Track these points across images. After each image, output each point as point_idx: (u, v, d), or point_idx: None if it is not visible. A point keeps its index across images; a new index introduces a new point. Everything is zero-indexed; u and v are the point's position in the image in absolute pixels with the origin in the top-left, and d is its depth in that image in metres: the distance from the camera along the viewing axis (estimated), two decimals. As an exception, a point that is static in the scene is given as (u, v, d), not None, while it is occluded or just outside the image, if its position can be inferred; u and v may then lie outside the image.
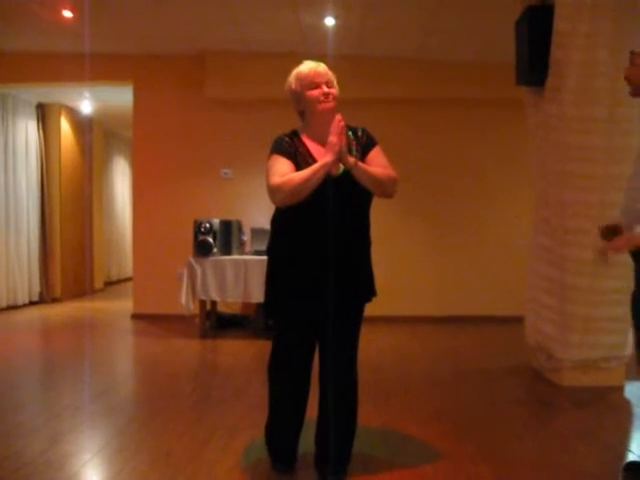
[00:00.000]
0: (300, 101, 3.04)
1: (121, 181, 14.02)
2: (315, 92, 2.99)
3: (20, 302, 9.40)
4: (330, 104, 2.99)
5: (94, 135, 11.74)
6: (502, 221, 8.37)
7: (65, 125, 10.47)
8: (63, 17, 6.71)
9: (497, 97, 7.86)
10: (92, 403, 4.49)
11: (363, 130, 3.14)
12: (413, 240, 8.45)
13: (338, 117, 2.84)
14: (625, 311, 4.89)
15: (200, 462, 3.31)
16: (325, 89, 2.99)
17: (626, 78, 3.18)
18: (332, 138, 2.82)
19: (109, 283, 12.80)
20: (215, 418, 4.08)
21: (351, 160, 2.85)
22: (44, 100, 9.98)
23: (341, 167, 2.90)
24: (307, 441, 3.23)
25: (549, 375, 5.15)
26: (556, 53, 4.86)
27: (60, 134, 10.30)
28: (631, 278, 4.91)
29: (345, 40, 7.36)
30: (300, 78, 3.02)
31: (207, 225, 7.07)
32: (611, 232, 3.27)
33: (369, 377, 5.33)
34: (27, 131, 9.72)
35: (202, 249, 7.02)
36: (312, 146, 3.01)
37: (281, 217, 3.07)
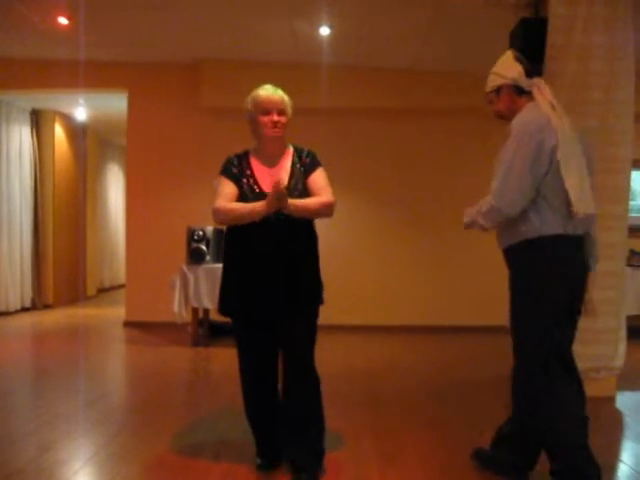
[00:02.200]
0: (253, 122, 3.28)
1: (115, 188, 14.00)
2: (265, 118, 3.21)
3: (12, 308, 9.35)
4: (277, 133, 3.21)
5: (88, 142, 11.73)
6: (493, 232, 8.38)
7: (59, 132, 10.47)
8: (58, 24, 6.71)
9: (490, 107, 7.88)
10: (83, 411, 4.48)
11: (308, 153, 3.35)
12: (404, 251, 8.45)
13: (277, 182, 2.97)
14: (615, 322, 4.92)
15: (192, 470, 3.31)
16: (275, 118, 3.20)
17: (497, 114, 3.30)
18: (270, 196, 2.99)
19: (102, 290, 12.75)
20: (207, 426, 4.07)
21: (290, 207, 3.04)
22: (38, 106, 9.97)
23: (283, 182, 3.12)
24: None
25: (541, 385, 5.15)
26: (550, 64, 4.89)
27: (54, 141, 10.29)
28: (621, 289, 4.96)
29: (340, 49, 7.38)
30: (256, 102, 3.26)
31: (200, 233, 7.07)
32: None
33: (360, 386, 5.34)
34: (21, 137, 9.70)
35: (195, 257, 7.01)
36: (257, 167, 3.27)
37: (229, 229, 3.30)
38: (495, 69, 3.22)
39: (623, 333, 5.05)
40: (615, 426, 4.45)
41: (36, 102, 9.74)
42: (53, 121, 10.28)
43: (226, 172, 3.27)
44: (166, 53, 7.97)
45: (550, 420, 2.95)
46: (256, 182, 3.21)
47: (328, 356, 6.80)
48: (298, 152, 3.33)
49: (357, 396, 4.97)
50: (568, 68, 4.79)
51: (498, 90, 3.19)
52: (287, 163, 3.28)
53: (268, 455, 3.35)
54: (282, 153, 3.31)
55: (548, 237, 2.93)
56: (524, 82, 3.12)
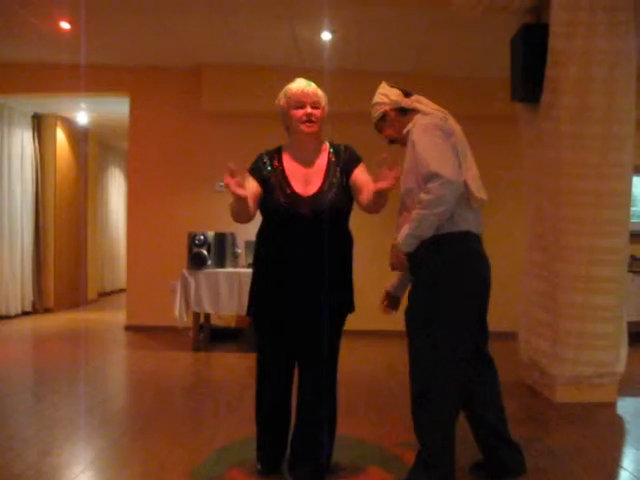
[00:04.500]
0: (285, 118, 3.13)
1: (116, 192, 14.02)
2: (299, 112, 3.05)
3: (13, 312, 9.36)
4: (311, 128, 3.06)
5: (90, 146, 11.75)
6: (496, 237, 8.37)
7: (61, 136, 10.48)
8: (60, 28, 6.73)
9: (491, 113, 7.89)
10: (84, 415, 4.47)
11: (346, 147, 3.21)
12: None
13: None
14: (615, 328, 4.93)
15: (192, 475, 3.30)
16: (309, 110, 3.04)
17: (389, 139, 3.29)
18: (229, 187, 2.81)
19: (103, 294, 12.76)
20: (208, 431, 4.07)
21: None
22: (40, 111, 9.99)
23: (313, 189, 3.04)
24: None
25: (542, 391, 5.15)
26: (551, 70, 4.90)
27: (56, 145, 10.31)
28: (622, 295, 4.96)
29: (341, 55, 7.40)
30: (288, 96, 3.09)
31: (201, 237, 7.06)
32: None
33: (363, 391, 5.33)
34: (23, 141, 9.71)
35: (196, 261, 7.01)
36: (289, 164, 3.11)
37: (261, 230, 3.20)
38: (375, 100, 3.26)
39: (624, 339, 5.04)
40: (616, 432, 4.44)
41: (38, 106, 9.76)
42: (55, 125, 10.30)
43: (253, 169, 3.14)
44: (167, 57, 7.98)
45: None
46: (288, 183, 3.06)
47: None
48: (335, 149, 3.17)
49: (360, 401, 4.96)
50: (569, 74, 4.79)
51: (383, 117, 3.22)
52: (322, 161, 3.12)
53: (268, 461, 3.30)
54: (318, 151, 3.14)
55: (453, 233, 2.96)
56: (405, 102, 3.18)
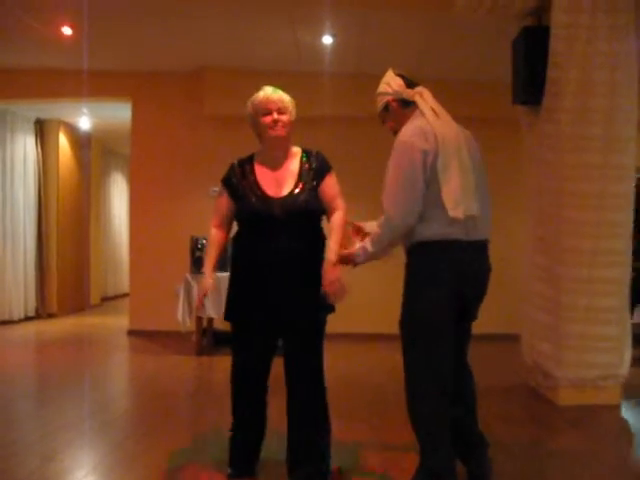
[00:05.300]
0: (254, 125, 3.24)
1: (118, 197, 14.04)
2: (267, 118, 3.16)
3: (16, 317, 9.37)
4: (277, 132, 3.14)
5: (92, 151, 11.77)
6: (498, 239, 8.34)
7: (63, 141, 10.50)
8: (63, 34, 6.74)
9: (492, 116, 7.89)
10: (87, 420, 4.48)
11: (317, 153, 3.27)
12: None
13: (330, 284, 3.03)
14: (619, 330, 4.92)
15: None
16: (275, 116, 3.14)
17: (392, 130, 3.24)
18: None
19: (106, 299, 12.76)
20: (210, 435, 4.06)
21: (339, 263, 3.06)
22: (43, 116, 10.01)
23: (284, 191, 3.12)
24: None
25: (546, 393, 5.14)
26: (552, 73, 4.90)
27: (58, 150, 10.33)
28: (625, 297, 4.95)
29: (342, 58, 7.40)
30: (255, 103, 3.23)
31: (204, 242, 7.06)
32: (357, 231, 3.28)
33: (367, 394, 5.33)
34: (25, 146, 9.74)
35: (199, 266, 7.01)
36: (260, 172, 3.21)
37: (236, 235, 3.30)
38: (379, 89, 3.24)
39: (628, 341, 5.03)
40: (620, 435, 4.44)
41: (40, 111, 9.78)
42: (57, 130, 10.32)
43: (224, 181, 3.27)
44: (169, 62, 8.00)
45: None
46: (258, 186, 3.15)
47: (330, 364, 6.79)
48: (306, 153, 3.25)
49: (360, 406, 4.95)
50: (571, 76, 4.80)
51: (386, 107, 3.21)
52: (293, 165, 3.20)
53: (240, 465, 3.28)
54: (287, 155, 3.23)
55: (432, 242, 2.95)
56: (406, 93, 3.16)
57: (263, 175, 3.20)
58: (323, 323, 3.25)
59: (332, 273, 3.01)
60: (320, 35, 6.83)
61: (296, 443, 3.21)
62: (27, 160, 9.78)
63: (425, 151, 2.91)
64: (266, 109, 3.16)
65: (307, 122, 7.72)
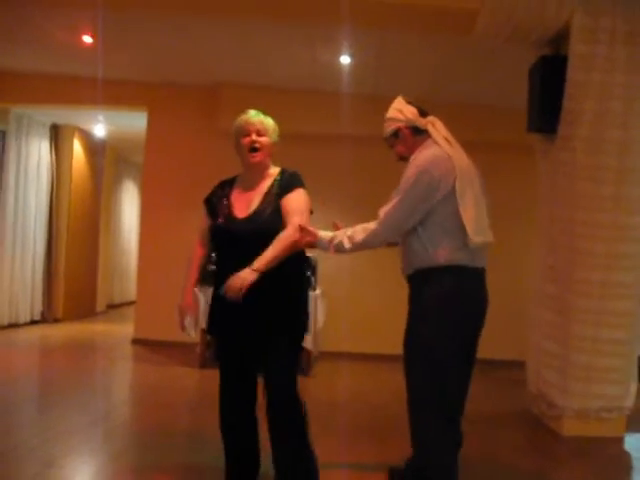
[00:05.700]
0: (236, 147, 3.28)
1: (129, 205, 14.10)
2: (246, 139, 3.20)
3: (22, 320, 9.39)
4: (255, 159, 3.18)
5: (106, 158, 11.84)
6: (505, 266, 8.35)
7: (78, 147, 10.57)
8: (83, 42, 6.80)
9: (506, 141, 7.90)
10: (88, 428, 4.47)
11: (292, 174, 3.26)
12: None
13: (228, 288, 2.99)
14: (627, 362, 4.90)
15: None
16: (253, 137, 3.19)
17: (399, 156, 3.30)
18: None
19: (111, 306, 12.78)
20: (211, 448, 4.05)
21: (257, 273, 2.96)
22: (58, 121, 10.09)
23: (250, 211, 3.15)
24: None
25: (550, 423, 5.11)
26: (569, 102, 4.91)
27: (72, 156, 10.40)
28: (635, 329, 4.93)
29: (360, 78, 7.43)
30: (236, 126, 3.29)
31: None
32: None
33: (367, 416, 5.30)
34: (40, 151, 9.80)
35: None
36: (236, 193, 3.27)
37: (212, 251, 3.48)
38: (389, 114, 3.28)
39: (635, 373, 5.01)
40: (622, 468, 4.40)
41: (56, 117, 9.86)
42: (72, 136, 10.39)
43: (205, 200, 3.37)
44: (187, 75, 8.06)
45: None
46: (230, 207, 3.21)
47: (334, 384, 6.78)
48: (282, 174, 3.24)
49: (363, 427, 4.93)
50: (587, 106, 4.81)
51: (396, 133, 3.24)
52: (265, 185, 3.21)
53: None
54: (263, 176, 3.24)
55: (442, 267, 2.96)
56: (419, 122, 3.20)
57: (237, 196, 3.25)
58: (292, 347, 3.19)
59: (241, 279, 2.93)
60: (338, 55, 6.86)
61: (280, 467, 3.16)
62: (41, 164, 9.85)
63: (439, 180, 2.94)
64: (245, 130, 3.21)
65: (321, 140, 7.75)
